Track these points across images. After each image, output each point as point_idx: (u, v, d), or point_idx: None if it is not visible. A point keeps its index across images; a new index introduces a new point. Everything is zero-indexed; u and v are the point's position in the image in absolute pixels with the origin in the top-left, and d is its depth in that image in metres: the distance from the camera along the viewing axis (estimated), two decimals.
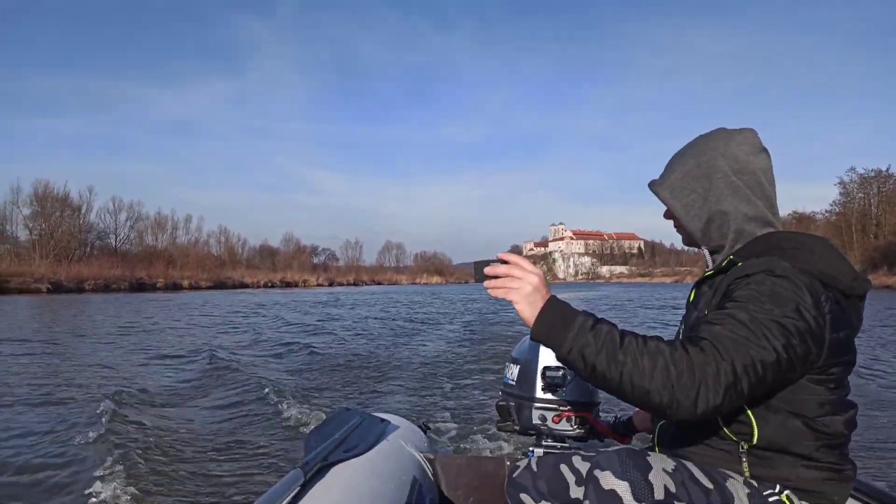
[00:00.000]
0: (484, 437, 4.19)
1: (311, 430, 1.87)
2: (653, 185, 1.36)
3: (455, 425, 4.60)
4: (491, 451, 3.82)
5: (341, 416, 1.99)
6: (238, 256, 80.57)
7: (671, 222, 1.39)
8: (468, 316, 17.84)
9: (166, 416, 5.07)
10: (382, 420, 2.09)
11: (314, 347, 9.72)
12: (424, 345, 10.50)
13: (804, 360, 1.06)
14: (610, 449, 1.24)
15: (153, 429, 4.50)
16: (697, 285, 1.37)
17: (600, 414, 2.01)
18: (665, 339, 1.05)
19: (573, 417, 1.86)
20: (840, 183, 61.57)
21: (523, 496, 1.58)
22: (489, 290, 1.13)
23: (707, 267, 1.37)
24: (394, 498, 1.56)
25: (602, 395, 2.02)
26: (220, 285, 58.93)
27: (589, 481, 1.07)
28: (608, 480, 1.03)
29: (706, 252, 1.34)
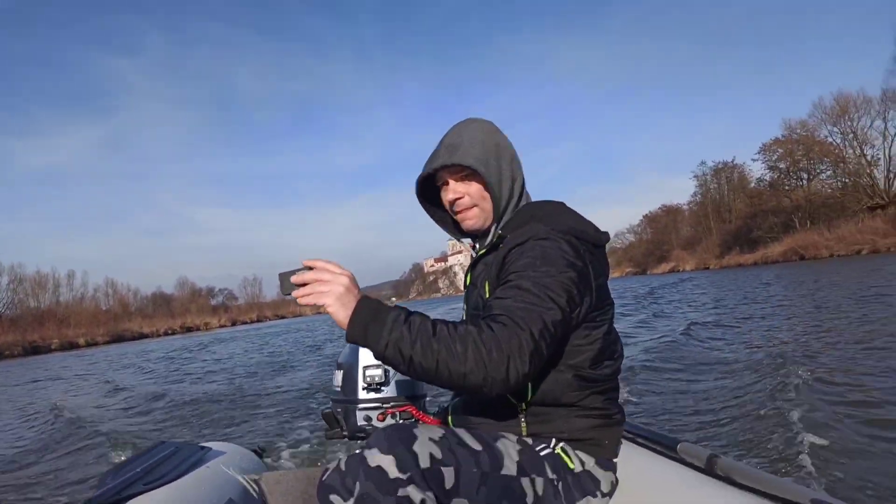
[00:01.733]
0: (321, 451, 4.13)
1: (111, 467, 1.71)
2: (458, 159, 1.31)
3: (295, 445, 4.49)
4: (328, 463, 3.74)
5: (153, 450, 1.84)
6: (130, 307, 75.20)
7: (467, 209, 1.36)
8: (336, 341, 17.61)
9: None
10: (202, 448, 1.95)
11: (177, 389, 9.22)
12: (288, 374, 10.24)
13: (579, 308, 1.15)
14: (380, 427, 1.23)
15: None
16: (471, 268, 1.40)
17: (426, 405, 2.01)
18: (470, 322, 1.07)
19: (397, 413, 1.84)
20: (694, 176, 67.23)
21: (333, 497, 1.52)
22: (299, 300, 1.09)
23: (474, 249, 1.42)
24: None
25: (427, 385, 2.02)
26: (118, 339, 55.69)
27: (360, 462, 1.04)
28: (374, 457, 1.02)
29: (494, 231, 1.37)
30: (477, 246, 1.43)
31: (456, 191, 1.36)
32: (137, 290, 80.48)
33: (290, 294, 1.08)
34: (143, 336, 58.87)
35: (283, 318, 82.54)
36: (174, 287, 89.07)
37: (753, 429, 3.51)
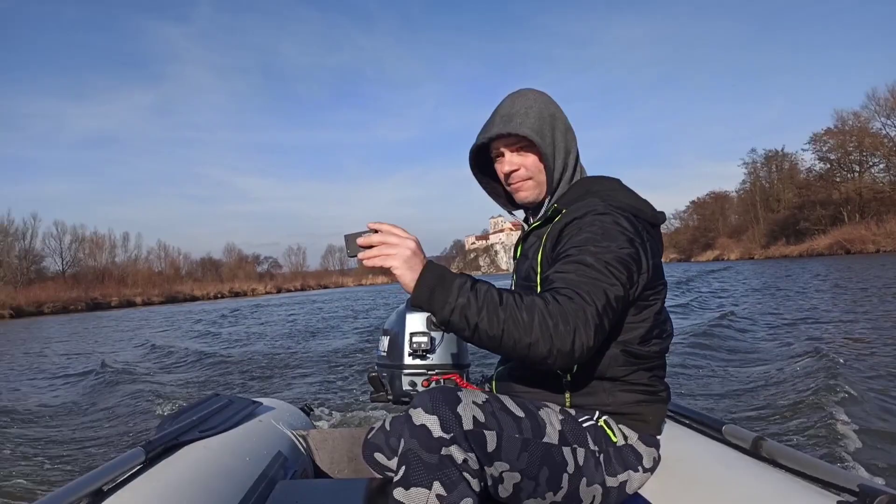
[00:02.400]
0: (366, 412, 4.22)
1: (168, 414, 1.79)
2: (515, 128, 1.29)
3: (341, 406, 4.59)
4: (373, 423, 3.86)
5: (207, 401, 1.91)
6: (181, 270, 77.76)
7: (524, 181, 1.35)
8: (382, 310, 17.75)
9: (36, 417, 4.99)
10: (254, 402, 2.02)
11: (225, 349, 9.48)
12: (329, 340, 10.42)
13: (637, 284, 1.14)
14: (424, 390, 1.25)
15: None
16: (522, 239, 1.40)
17: (470, 374, 2.03)
18: (535, 293, 1.06)
19: (441, 380, 1.87)
20: (743, 164, 65.06)
21: (377, 455, 1.58)
22: (365, 262, 1.07)
23: (528, 222, 1.41)
24: (250, 473, 1.48)
25: (471, 355, 2.05)
26: (171, 300, 57.49)
27: (405, 421, 1.06)
28: (419, 416, 1.03)
29: (547, 203, 1.35)
30: (530, 218, 1.42)
31: (512, 162, 1.33)
32: (188, 254, 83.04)
33: (355, 255, 1.06)
34: (194, 298, 60.58)
35: (325, 287, 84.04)
36: (222, 253, 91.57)
37: (797, 415, 3.48)
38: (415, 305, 1.05)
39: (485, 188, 1.48)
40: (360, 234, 1.07)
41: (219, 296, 65.44)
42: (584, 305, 1.01)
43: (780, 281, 17.62)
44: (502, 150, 1.34)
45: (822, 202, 49.11)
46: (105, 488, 1.16)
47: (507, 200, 1.46)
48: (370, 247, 1.07)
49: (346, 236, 1.08)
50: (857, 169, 47.86)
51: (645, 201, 1.28)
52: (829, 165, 50.62)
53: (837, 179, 49.01)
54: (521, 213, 1.46)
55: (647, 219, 1.23)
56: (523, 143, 1.31)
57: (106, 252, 68.90)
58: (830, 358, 4.77)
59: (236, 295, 67.20)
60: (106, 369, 7.81)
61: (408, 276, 1.04)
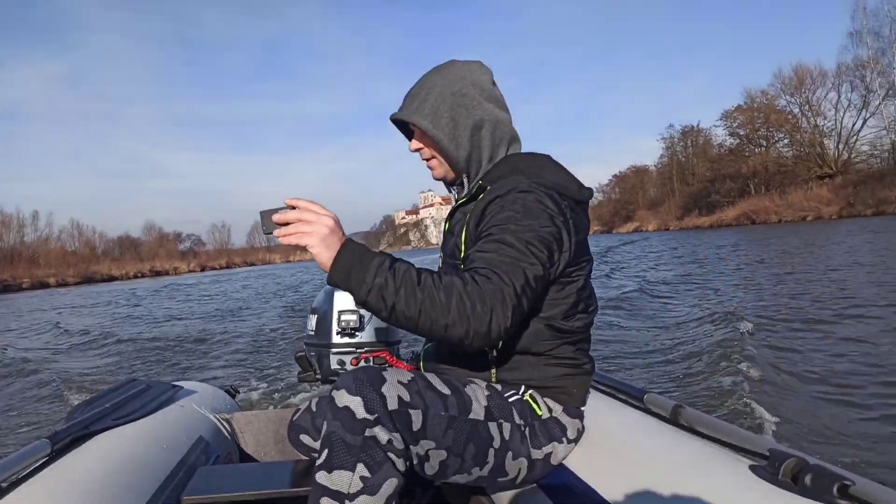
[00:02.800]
0: (293, 394, 4.15)
1: (79, 403, 1.68)
2: (405, 115, 1.29)
3: (266, 386, 4.50)
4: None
5: (122, 386, 1.80)
6: (97, 250, 73.38)
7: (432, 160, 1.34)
8: (309, 286, 17.44)
9: None
10: (174, 386, 1.92)
11: (143, 332, 9.05)
12: (255, 318, 10.15)
13: (558, 263, 1.13)
14: (349, 370, 1.22)
15: None
16: (451, 214, 1.37)
17: (400, 351, 2.01)
18: (454, 273, 1.04)
19: (371, 358, 1.83)
20: (661, 138, 67.77)
21: (303, 437, 1.54)
22: (280, 239, 1.03)
23: (455, 197, 1.38)
24: (168, 460, 1.41)
25: (401, 331, 2.02)
26: (88, 280, 54.80)
27: (329, 403, 1.03)
28: (342, 398, 1.00)
29: (466, 181, 1.33)
30: (457, 194, 1.39)
31: (415, 143, 1.33)
32: (103, 232, 78.52)
33: (271, 233, 1.03)
34: (112, 278, 57.99)
35: (252, 265, 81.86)
36: (141, 231, 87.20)
37: (711, 381, 3.65)
38: (331, 284, 1.01)
39: None
40: (276, 211, 1.03)
41: (139, 275, 62.92)
42: (501, 286, 1.00)
43: (690, 250, 18.65)
44: (412, 129, 1.33)
45: (731, 176, 51.91)
46: (3, 484, 1.07)
47: None
48: (287, 224, 1.03)
49: (261, 212, 1.04)
50: (764, 144, 50.83)
51: (572, 178, 1.27)
52: (738, 140, 53.53)
53: (746, 154, 51.97)
54: (454, 188, 1.42)
55: (572, 196, 1.22)
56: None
57: (13, 231, 64.19)
58: (739, 324, 5.06)
59: (157, 274, 64.76)
60: (5, 356, 7.28)
61: (324, 254, 1.01)
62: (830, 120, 46.47)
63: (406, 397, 1.04)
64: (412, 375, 1.09)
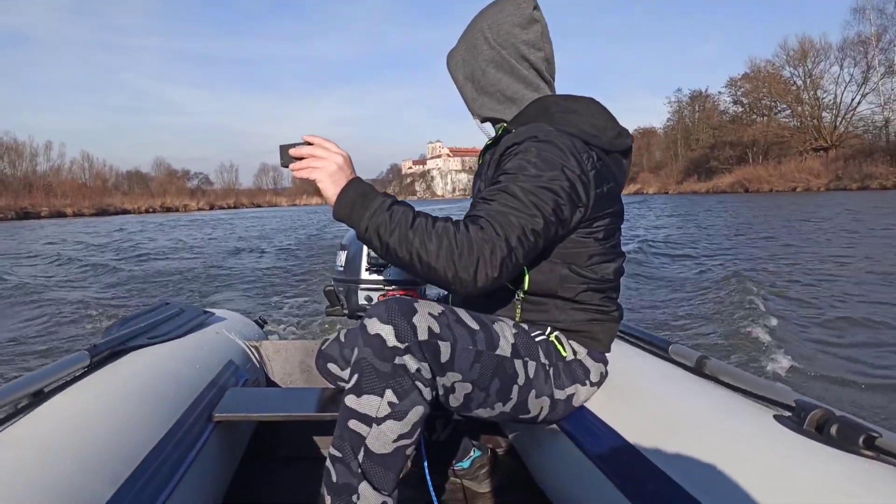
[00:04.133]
0: (320, 326, 4.20)
1: (116, 320, 1.70)
2: (448, 56, 1.33)
3: (295, 319, 4.54)
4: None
5: (157, 308, 1.82)
6: (108, 183, 72.89)
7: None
8: (333, 226, 17.42)
9: None
10: (206, 312, 1.94)
11: (175, 261, 9.07)
12: (281, 254, 10.14)
13: (570, 217, 1.10)
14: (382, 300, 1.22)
15: None
16: (482, 154, 1.34)
17: (426, 291, 2.01)
18: (454, 218, 1.04)
19: (398, 295, 1.83)
20: (669, 102, 66.46)
21: (331, 366, 1.56)
22: (294, 172, 1.07)
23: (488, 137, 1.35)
24: (201, 379, 1.43)
25: None
26: (102, 212, 54.71)
27: (360, 330, 1.04)
28: (374, 326, 1.01)
29: (481, 124, 1.33)
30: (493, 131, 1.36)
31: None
32: (112, 166, 77.81)
33: (287, 166, 1.08)
34: (126, 212, 57.95)
35: (259, 206, 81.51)
36: (151, 167, 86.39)
37: (731, 337, 3.67)
38: (336, 218, 1.05)
39: None
40: (293, 146, 1.08)
41: (150, 210, 62.72)
42: (493, 237, 1.00)
43: (688, 212, 18.56)
44: None
45: (732, 143, 51.33)
46: (46, 389, 1.10)
47: None
48: (302, 158, 1.07)
49: (280, 146, 1.09)
50: (767, 113, 50.02)
51: (612, 125, 1.21)
52: (742, 109, 52.65)
53: (746, 123, 51.12)
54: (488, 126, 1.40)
55: (602, 145, 1.18)
56: None
57: (27, 161, 63.54)
58: (746, 286, 5.08)
59: (168, 210, 64.61)
60: (39, 281, 7.30)
61: (331, 189, 1.05)
62: (830, 93, 45.70)
63: (436, 329, 1.04)
64: (443, 308, 1.09)
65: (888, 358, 3.21)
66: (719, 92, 57.75)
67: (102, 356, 1.30)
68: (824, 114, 45.89)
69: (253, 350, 1.89)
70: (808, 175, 39.63)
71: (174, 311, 1.79)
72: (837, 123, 44.86)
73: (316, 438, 1.77)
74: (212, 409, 1.35)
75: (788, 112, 48.47)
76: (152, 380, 1.28)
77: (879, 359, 3.21)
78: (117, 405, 1.11)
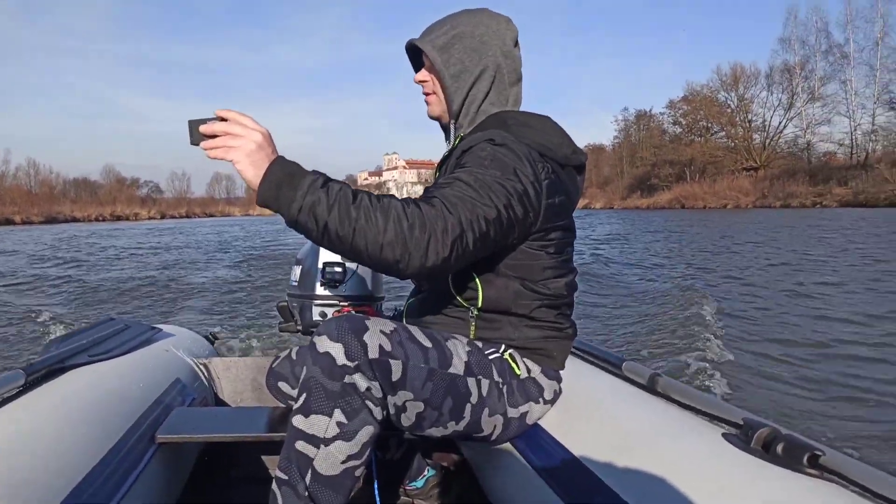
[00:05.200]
0: (273, 343, 4.06)
1: (57, 337, 1.58)
2: (421, 42, 1.21)
3: (246, 335, 4.38)
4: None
5: (101, 324, 1.72)
6: (54, 190, 69.36)
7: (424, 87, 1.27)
8: (289, 237, 17.07)
9: None
10: (153, 328, 1.84)
11: (112, 276, 8.62)
12: (234, 267, 9.80)
13: (522, 220, 1.06)
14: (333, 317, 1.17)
15: None
16: (439, 166, 1.31)
17: (382, 307, 1.96)
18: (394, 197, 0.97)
19: (353, 312, 1.78)
20: (615, 121, 68.55)
21: (282, 384, 1.49)
22: (207, 152, 0.93)
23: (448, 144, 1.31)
24: (143, 399, 1.35)
25: (385, 287, 1.97)
26: (52, 220, 51.86)
27: (310, 348, 0.98)
28: (324, 344, 0.96)
29: (452, 128, 1.26)
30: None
31: (423, 74, 1.26)
32: (60, 172, 74.19)
33: (197, 144, 0.93)
34: (75, 220, 55.30)
35: (211, 216, 79.13)
36: (100, 174, 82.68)
37: (684, 353, 3.68)
38: (259, 204, 0.92)
39: None
40: (204, 121, 0.92)
41: (100, 218, 60.11)
42: (445, 214, 0.94)
43: (634, 227, 19.14)
44: (423, 59, 1.25)
45: (671, 162, 53.40)
46: None
47: None
48: (214, 137, 0.93)
49: (189, 122, 0.93)
50: (703, 134, 52.32)
51: (566, 142, 1.19)
52: (681, 129, 54.92)
53: (684, 143, 53.32)
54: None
55: (555, 158, 1.16)
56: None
57: None
58: (693, 299, 5.20)
59: (118, 219, 62.02)
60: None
61: (250, 171, 0.91)
62: (760, 117, 48.37)
63: (387, 347, 1.00)
64: (395, 326, 1.05)
65: (832, 371, 3.30)
66: (660, 112, 60.04)
67: (39, 375, 1.22)
68: (755, 135, 48.45)
69: (202, 368, 1.79)
70: (738, 193, 41.76)
71: (119, 326, 1.71)
72: (766, 145, 47.39)
73: (266, 459, 1.69)
74: (155, 430, 1.27)
75: (723, 133, 50.87)
76: (91, 400, 1.21)
77: (824, 372, 3.28)
78: (52, 427, 1.04)
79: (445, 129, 1.30)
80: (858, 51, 43.75)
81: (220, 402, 1.82)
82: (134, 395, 1.33)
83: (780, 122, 47.31)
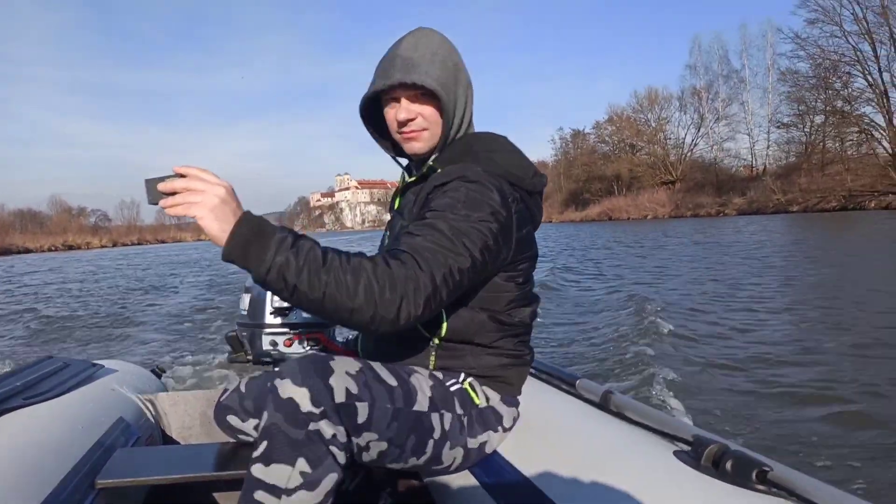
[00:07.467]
0: (223, 375, 3.82)
1: None
2: (420, 79, 1.06)
3: (194, 368, 4.10)
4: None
5: (37, 364, 1.55)
6: (3, 223, 64.70)
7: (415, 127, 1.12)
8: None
9: None
10: (94, 365, 1.67)
11: (63, 307, 8.03)
12: (181, 296, 9.23)
13: (496, 258, 1.00)
14: (294, 357, 1.07)
15: None
16: (402, 193, 1.22)
17: (335, 333, 1.85)
18: (368, 254, 0.90)
19: (305, 339, 1.67)
20: (552, 140, 70.51)
21: (231, 418, 1.36)
22: (167, 210, 0.85)
23: (410, 173, 1.23)
24: (82, 442, 1.21)
25: None
26: (5, 252, 48.58)
27: (270, 392, 0.88)
28: (287, 389, 0.86)
29: (417, 164, 1.18)
30: (412, 171, 1.23)
31: (409, 110, 1.10)
32: (3, 204, 69.41)
33: (156, 203, 0.86)
34: (28, 251, 52.35)
35: (163, 242, 75.88)
36: (46, 205, 77.78)
37: (631, 366, 3.57)
38: (226, 260, 0.85)
39: (373, 135, 1.23)
40: (162, 179, 0.85)
41: (52, 248, 56.92)
42: (417, 273, 0.88)
43: (570, 242, 19.58)
44: (401, 96, 1.10)
45: (600, 177, 55.48)
46: None
47: (392, 147, 1.23)
48: (174, 193, 0.85)
49: (146, 181, 0.86)
50: (629, 151, 54.66)
51: (527, 164, 1.13)
52: (608, 147, 57.24)
53: (612, 160, 55.50)
54: (405, 162, 1.26)
55: (524, 186, 1.10)
56: (424, 91, 1.09)
57: None
58: (640, 309, 5.16)
59: (70, 248, 58.81)
60: None
61: (215, 227, 0.84)
62: (675, 135, 51.19)
63: (354, 389, 0.91)
64: (360, 365, 0.97)
65: (780, 383, 3.24)
66: (588, 132, 61.98)
67: None
68: (671, 152, 51.03)
69: (147, 404, 1.64)
70: (656, 205, 44.36)
71: (58, 365, 1.55)
72: (682, 160, 49.99)
73: (218, 496, 1.55)
74: (95, 474, 1.14)
75: (644, 151, 53.30)
76: (26, 446, 1.08)
77: (773, 385, 3.21)
78: None
79: (414, 160, 1.20)
80: (753, 76, 47.10)
81: (167, 440, 1.66)
82: (72, 439, 1.19)
83: (692, 140, 50.10)
